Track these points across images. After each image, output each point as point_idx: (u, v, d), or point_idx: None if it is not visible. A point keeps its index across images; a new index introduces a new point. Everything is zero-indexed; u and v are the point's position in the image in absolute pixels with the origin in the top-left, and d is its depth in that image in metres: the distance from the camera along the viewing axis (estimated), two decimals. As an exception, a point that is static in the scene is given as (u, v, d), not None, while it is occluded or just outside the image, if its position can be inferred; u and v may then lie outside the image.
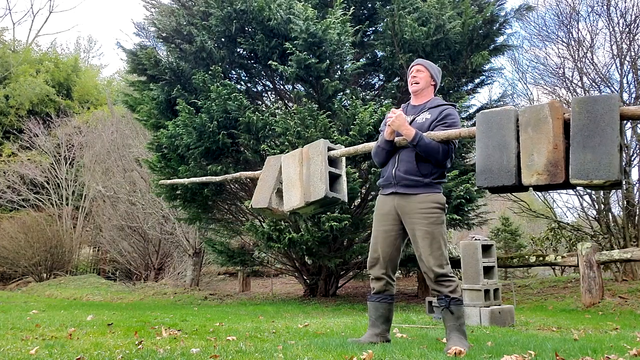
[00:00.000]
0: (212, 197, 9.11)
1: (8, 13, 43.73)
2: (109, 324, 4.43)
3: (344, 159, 3.51)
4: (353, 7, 8.19)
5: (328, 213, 7.26)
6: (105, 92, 23.06)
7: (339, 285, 10.05)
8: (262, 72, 9.26)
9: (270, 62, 7.94)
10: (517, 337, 3.69)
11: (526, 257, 8.34)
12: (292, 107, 8.55)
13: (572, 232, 10.86)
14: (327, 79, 7.68)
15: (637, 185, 9.12)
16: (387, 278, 3.14)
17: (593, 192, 9.31)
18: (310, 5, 7.84)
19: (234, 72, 9.41)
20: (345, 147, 3.60)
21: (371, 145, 3.31)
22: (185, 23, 8.84)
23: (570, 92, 9.89)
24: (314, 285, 9.70)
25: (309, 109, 7.44)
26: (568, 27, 9.86)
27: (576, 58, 9.71)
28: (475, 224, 9.10)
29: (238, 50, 8.80)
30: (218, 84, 8.01)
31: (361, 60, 8.31)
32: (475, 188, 7.34)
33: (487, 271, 5.47)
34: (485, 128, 2.75)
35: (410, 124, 3.07)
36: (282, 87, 9.70)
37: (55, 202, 18.45)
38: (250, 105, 8.10)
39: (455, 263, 7.26)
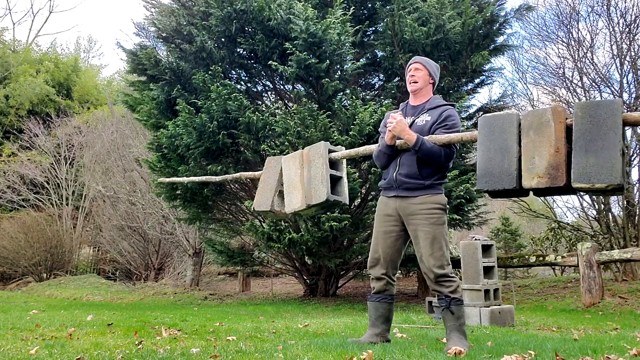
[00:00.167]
0: (212, 197, 9.11)
1: (8, 13, 43.84)
2: (109, 324, 4.43)
3: (344, 160, 3.50)
4: (353, 7, 8.19)
5: (328, 213, 7.26)
6: (105, 92, 23.04)
7: (339, 285, 10.05)
8: (262, 72, 9.26)
9: (270, 62, 7.94)
10: (517, 337, 3.69)
11: (526, 257, 8.33)
12: (292, 107, 8.55)
13: (572, 232, 10.86)
14: (327, 79, 7.68)
15: (637, 185, 9.12)
16: (388, 278, 3.14)
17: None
18: (310, 5, 7.84)
19: (234, 72, 9.41)
20: (346, 147, 3.60)
21: (372, 147, 3.30)
22: (185, 23, 8.84)
23: (570, 92, 9.89)
24: (314, 285, 9.70)
25: (309, 109, 7.44)
26: (568, 27, 9.86)
27: (576, 58, 9.70)
28: (475, 224, 9.11)
29: (238, 50, 8.80)
30: (218, 84, 8.01)
31: (361, 60, 8.31)
32: (476, 188, 7.34)
33: (487, 271, 5.47)
34: (487, 132, 2.74)
35: (410, 126, 3.06)
36: (282, 87, 9.70)
37: (55, 202, 18.45)
38: (250, 105, 8.10)
39: (456, 263, 7.26)
